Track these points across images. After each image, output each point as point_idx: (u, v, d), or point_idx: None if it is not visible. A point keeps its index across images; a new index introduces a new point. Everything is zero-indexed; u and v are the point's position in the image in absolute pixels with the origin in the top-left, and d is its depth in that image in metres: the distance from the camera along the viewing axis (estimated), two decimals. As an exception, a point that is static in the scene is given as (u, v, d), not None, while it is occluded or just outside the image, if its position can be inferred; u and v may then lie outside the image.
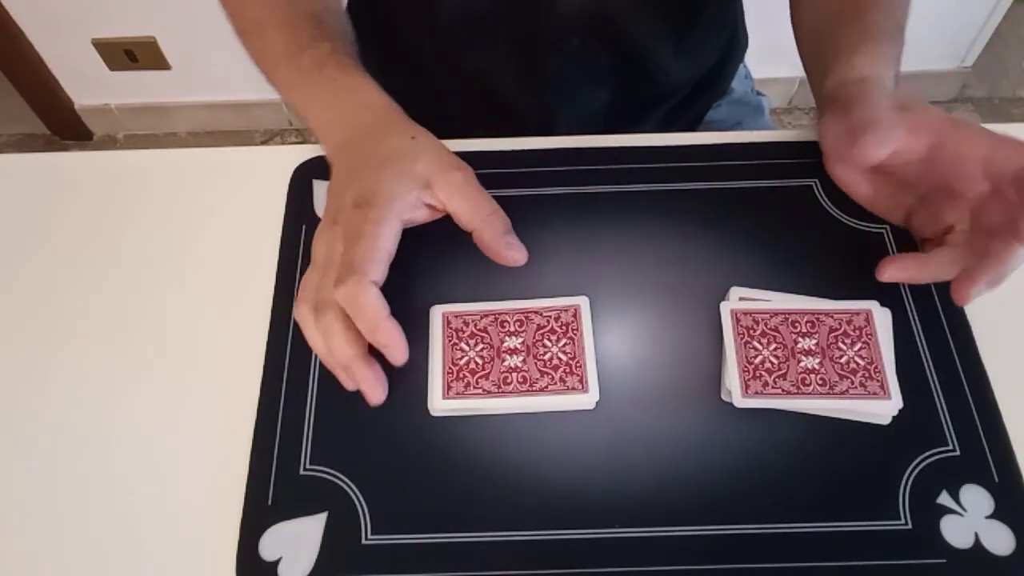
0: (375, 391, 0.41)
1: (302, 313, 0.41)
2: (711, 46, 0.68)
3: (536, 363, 0.43)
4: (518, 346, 0.44)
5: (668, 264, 0.48)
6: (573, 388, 0.43)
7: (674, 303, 0.47)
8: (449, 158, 0.44)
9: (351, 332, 0.39)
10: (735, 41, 0.72)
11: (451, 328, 0.45)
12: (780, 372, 0.43)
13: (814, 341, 0.44)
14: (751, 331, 0.44)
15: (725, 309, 0.45)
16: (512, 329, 0.44)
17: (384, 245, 0.39)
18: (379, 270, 0.39)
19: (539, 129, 0.60)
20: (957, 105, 1.68)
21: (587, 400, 0.43)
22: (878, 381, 0.42)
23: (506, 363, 0.43)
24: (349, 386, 0.42)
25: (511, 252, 0.42)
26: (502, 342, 0.44)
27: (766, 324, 0.44)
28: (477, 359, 0.44)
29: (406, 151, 0.43)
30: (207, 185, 0.55)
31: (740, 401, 0.42)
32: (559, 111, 0.66)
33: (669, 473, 0.42)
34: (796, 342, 0.44)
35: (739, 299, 0.46)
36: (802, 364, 0.43)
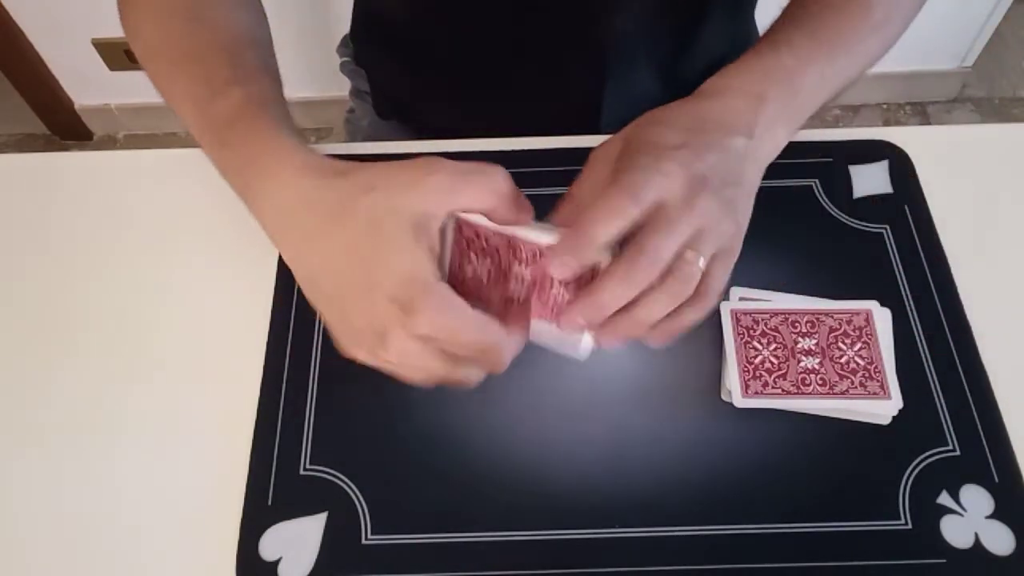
0: (506, 345, 0.35)
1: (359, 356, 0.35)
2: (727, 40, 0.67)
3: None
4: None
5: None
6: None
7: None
8: (423, 196, 0.34)
9: (430, 348, 0.33)
10: (749, 38, 0.72)
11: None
12: (780, 372, 0.43)
13: (814, 341, 0.44)
14: (751, 331, 0.44)
15: (725, 309, 0.45)
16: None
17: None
18: (442, 285, 0.33)
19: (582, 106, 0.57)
20: (957, 105, 1.68)
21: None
22: (878, 381, 0.42)
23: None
24: (466, 376, 0.36)
25: (519, 213, 0.36)
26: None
27: (766, 324, 0.44)
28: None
29: (389, 209, 0.34)
30: (207, 185, 0.54)
31: (740, 401, 0.42)
32: (607, 88, 0.61)
33: (669, 473, 0.42)
34: (796, 342, 0.44)
35: (739, 299, 0.46)
36: (802, 364, 0.43)
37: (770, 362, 0.43)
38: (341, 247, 0.35)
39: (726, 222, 0.37)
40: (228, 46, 0.44)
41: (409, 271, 0.33)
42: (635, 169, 0.36)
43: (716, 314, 0.45)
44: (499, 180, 0.35)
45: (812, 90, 0.43)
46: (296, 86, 1.61)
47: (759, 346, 0.44)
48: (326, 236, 0.35)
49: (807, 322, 0.44)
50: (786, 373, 0.43)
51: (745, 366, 0.43)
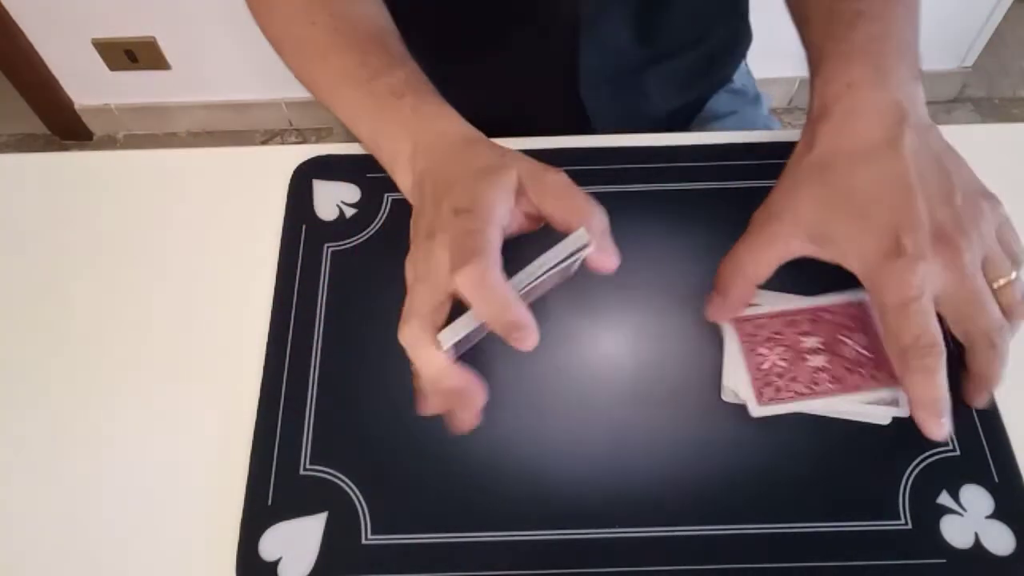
0: (478, 397, 0.38)
1: (409, 334, 0.37)
2: (712, 7, 0.67)
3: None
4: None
5: (668, 264, 0.48)
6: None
7: (674, 303, 0.47)
8: (541, 164, 0.41)
9: (434, 343, 0.36)
10: (744, 28, 0.72)
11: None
12: (791, 375, 0.42)
13: (818, 339, 0.43)
14: (754, 338, 0.44)
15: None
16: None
17: (497, 241, 0.36)
18: (498, 259, 0.35)
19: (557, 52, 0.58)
20: (957, 105, 1.68)
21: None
22: (888, 371, 0.41)
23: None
24: (458, 423, 0.39)
25: (605, 257, 0.38)
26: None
27: (769, 329, 0.44)
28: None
29: (497, 164, 0.40)
30: (207, 185, 0.55)
31: (756, 410, 0.42)
32: (582, 41, 0.62)
33: (669, 473, 0.42)
34: (800, 342, 0.43)
35: None
36: (810, 363, 0.43)
37: (779, 366, 0.43)
38: (459, 165, 0.41)
39: (986, 223, 0.38)
40: (375, 36, 0.49)
41: (489, 199, 0.38)
42: (904, 318, 0.37)
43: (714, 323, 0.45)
44: (604, 217, 0.39)
45: (908, 30, 0.43)
46: (296, 87, 1.61)
47: (765, 351, 0.43)
48: (458, 159, 0.41)
49: (808, 320, 0.44)
50: (797, 375, 0.43)
51: (755, 374, 0.43)
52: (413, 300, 0.38)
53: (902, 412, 0.41)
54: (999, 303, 0.38)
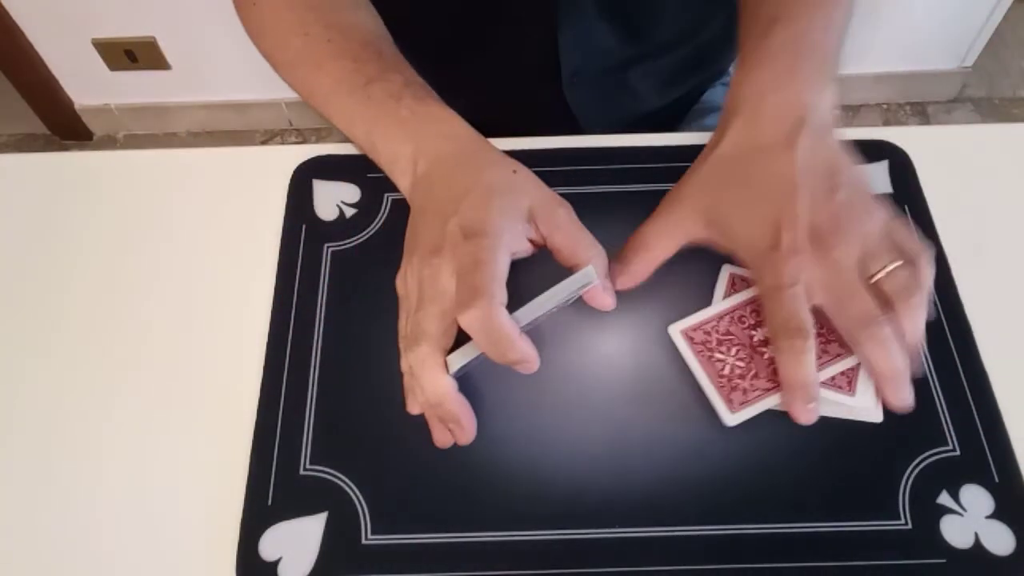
0: (469, 429, 0.40)
1: (417, 357, 0.39)
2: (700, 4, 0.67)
3: None
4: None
5: (667, 264, 0.48)
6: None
7: (673, 303, 0.47)
8: (551, 194, 0.42)
9: (443, 368, 0.38)
10: (735, 23, 0.72)
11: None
12: (752, 372, 0.42)
13: (765, 329, 0.43)
14: (707, 344, 0.43)
15: (675, 335, 0.44)
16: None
17: (504, 273, 0.37)
18: (504, 294, 0.37)
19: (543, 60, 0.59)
20: (957, 105, 1.68)
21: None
22: (838, 342, 0.41)
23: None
24: (441, 438, 0.41)
25: (606, 296, 0.41)
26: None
27: (717, 331, 0.44)
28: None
29: (510, 185, 0.41)
30: (207, 185, 0.55)
31: (731, 419, 0.41)
32: (562, 36, 0.62)
33: (669, 473, 0.42)
34: (752, 336, 0.43)
35: (680, 322, 0.45)
36: (766, 355, 0.42)
37: (739, 367, 0.43)
38: (470, 178, 0.41)
39: (869, 222, 0.40)
40: (370, 43, 0.49)
41: (499, 223, 0.38)
42: (776, 303, 0.40)
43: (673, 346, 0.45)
44: (604, 257, 0.41)
45: (827, 35, 0.45)
46: (296, 86, 1.61)
47: (722, 355, 0.43)
48: (467, 169, 0.42)
49: (751, 312, 0.44)
50: (757, 371, 0.42)
51: (719, 382, 0.42)
52: (423, 322, 0.38)
53: (867, 405, 0.41)
54: (882, 293, 0.39)
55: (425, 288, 0.39)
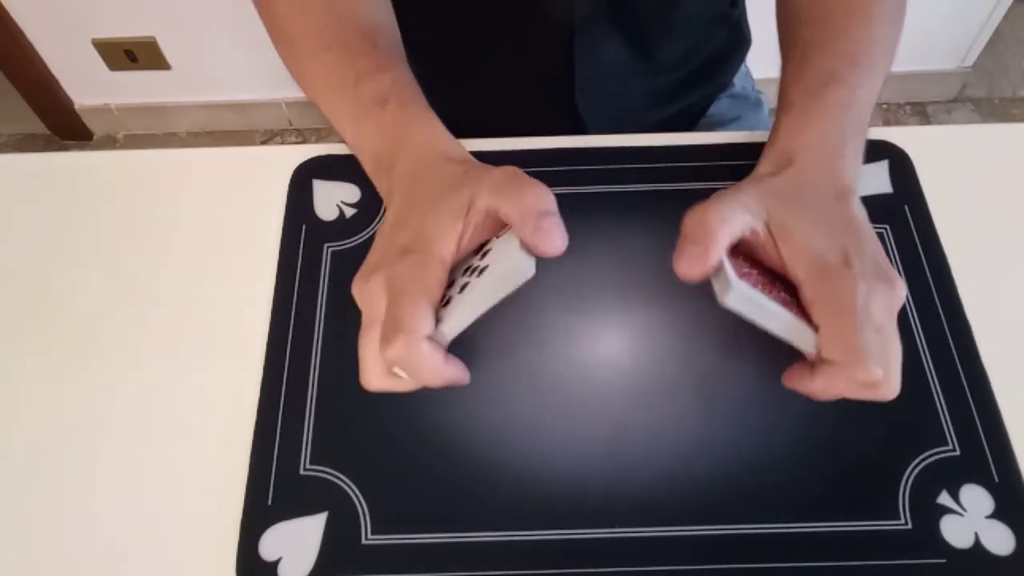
0: (465, 381, 0.39)
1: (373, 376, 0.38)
2: (704, 25, 0.68)
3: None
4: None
5: (666, 263, 0.48)
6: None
7: (673, 303, 0.47)
8: (494, 170, 0.39)
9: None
10: (738, 35, 0.73)
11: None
12: (764, 290, 0.39)
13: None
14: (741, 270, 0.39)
15: (738, 286, 0.38)
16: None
17: (428, 296, 0.36)
18: (428, 323, 0.35)
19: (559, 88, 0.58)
20: (957, 105, 1.68)
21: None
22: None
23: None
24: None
25: (540, 238, 0.36)
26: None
27: (752, 277, 0.40)
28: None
29: (455, 183, 0.39)
30: (207, 185, 0.55)
31: (736, 285, 0.37)
32: (577, 56, 0.62)
33: (669, 473, 0.42)
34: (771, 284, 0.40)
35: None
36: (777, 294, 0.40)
37: (759, 280, 0.40)
38: (423, 186, 0.41)
39: (900, 286, 0.39)
40: (369, 34, 0.48)
41: (431, 235, 0.38)
42: (846, 309, 0.36)
43: (715, 313, 0.39)
44: (543, 197, 0.37)
45: (867, 107, 0.45)
46: (296, 86, 1.61)
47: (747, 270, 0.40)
48: (425, 176, 0.41)
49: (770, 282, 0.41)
50: (769, 293, 0.39)
51: (738, 268, 0.39)
52: (366, 346, 0.38)
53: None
54: None
55: (366, 309, 0.38)
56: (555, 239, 0.36)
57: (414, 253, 0.37)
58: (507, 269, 0.36)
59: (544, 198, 0.37)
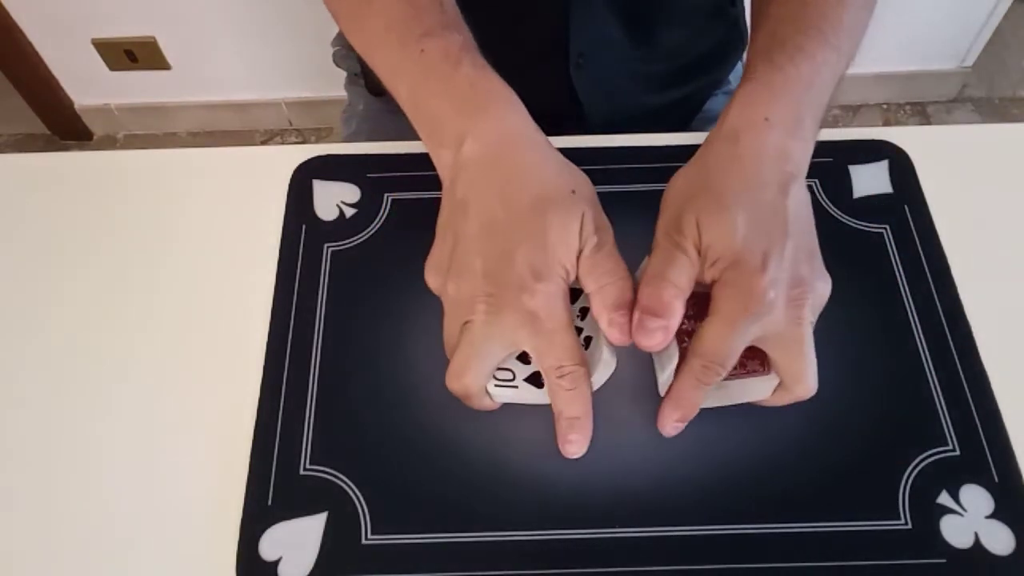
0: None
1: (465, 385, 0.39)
2: (701, 17, 0.68)
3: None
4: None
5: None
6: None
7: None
8: (599, 220, 0.39)
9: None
10: (736, 34, 0.73)
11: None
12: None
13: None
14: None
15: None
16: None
17: (572, 334, 0.37)
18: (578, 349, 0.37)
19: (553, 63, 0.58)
20: (957, 105, 1.68)
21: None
22: (758, 359, 0.40)
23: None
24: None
25: (612, 330, 0.37)
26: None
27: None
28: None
29: (560, 197, 0.37)
30: (207, 185, 0.55)
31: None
32: (572, 30, 0.61)
33: (669, 473, 0.42)
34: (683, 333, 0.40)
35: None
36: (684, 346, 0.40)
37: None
38: (521, 182, 0.38)
39: (821, 287, 0.38)
40: None
41: (560, 259, 0.36)
42: (743, 312, 0.36)
43: None
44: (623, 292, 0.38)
45: (829, 88, 0.44)
46: (296, 86, 1.61)
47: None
48: (522, 173, 0.38)
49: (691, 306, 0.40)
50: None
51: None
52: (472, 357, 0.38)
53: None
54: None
55: (470, 332, 0.37)
56: (625, 336, 0.37)
57: (546, 282, 0.36)
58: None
59: (621, 294, 0.37)
